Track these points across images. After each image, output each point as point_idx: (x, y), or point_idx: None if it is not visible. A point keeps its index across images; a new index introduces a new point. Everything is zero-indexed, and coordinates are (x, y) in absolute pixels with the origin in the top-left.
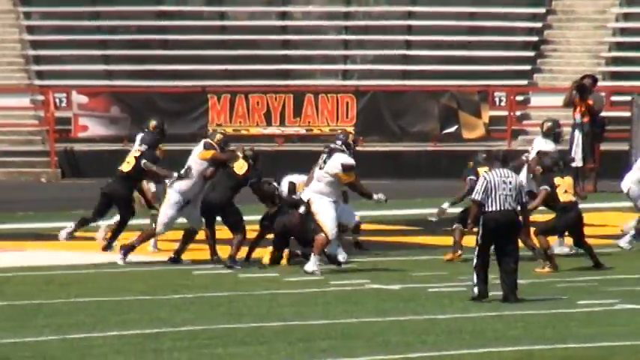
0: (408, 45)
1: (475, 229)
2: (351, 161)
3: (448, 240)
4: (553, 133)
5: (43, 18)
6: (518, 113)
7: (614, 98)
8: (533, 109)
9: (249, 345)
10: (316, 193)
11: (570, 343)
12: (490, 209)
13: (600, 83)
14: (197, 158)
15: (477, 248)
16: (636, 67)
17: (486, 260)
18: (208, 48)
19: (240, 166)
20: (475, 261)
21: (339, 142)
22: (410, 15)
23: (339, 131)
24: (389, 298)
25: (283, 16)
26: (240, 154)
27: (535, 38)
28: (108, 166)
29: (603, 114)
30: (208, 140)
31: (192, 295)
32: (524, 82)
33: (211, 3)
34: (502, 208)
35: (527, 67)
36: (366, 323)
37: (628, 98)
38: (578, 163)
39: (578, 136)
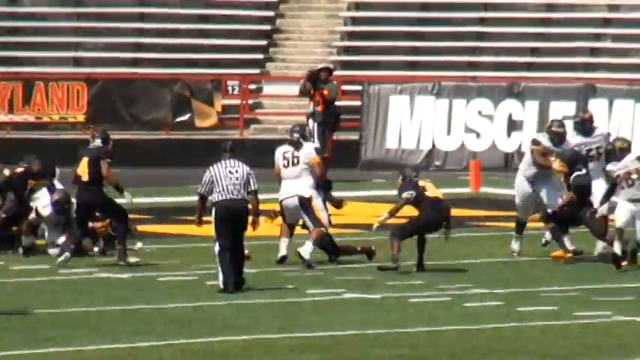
0: (140, 32)
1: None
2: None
3: (182, 228)
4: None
5: None
6: (250, 102)
7: (345, 87)
8: (266, 97)
9: None
10: (313, 189)
11: (298, 332)
12: (220, 199)
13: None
14: None
15: (215, 238)
16: (368, 57)
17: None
18: None
19: None
20: (217, 250)
21: (296, 135)
22: (142, 3)
23: (295, 126)
24: (118, 287)
25: (12, 1)
26: None
27: (267, 27)
28: None
29: (337, 103)
30: None
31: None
32: (257, 70)
33: None
34: (231, 197)
35: (260, 56)
36: (93, 312)
37: (359, 88)
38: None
39: (313, 125)
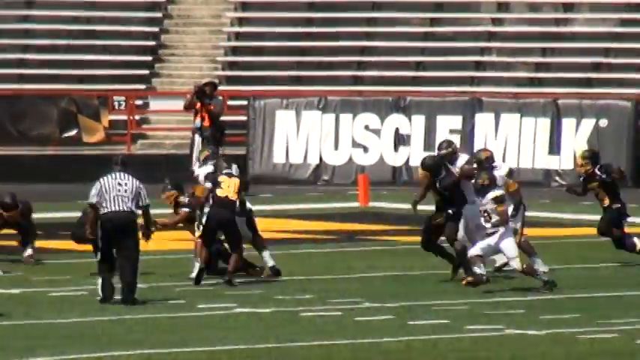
0: (25, 48)
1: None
2: None
3: (71, 244)
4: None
5: None
6: (137, 117)
7: (231, 102)
8: (152, 113)
9: None
10: None
11: (189, 347)
12: (105, 211)
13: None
14: None
15: (98, 248)
16: (252, 72)
17: (111, 262)
18: None
19: None
20: (97, 259)
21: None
22: (25, 19)
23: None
24: (9, 302)
25: None
26: None
27: (152, 43)
28: None
29: (222, 118)
30: None
31: None
32: (143, 86)
33: None
34: (116, 209)
35: (146, 72)
36: None
37: (245, 102)
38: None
39: (198, 140)
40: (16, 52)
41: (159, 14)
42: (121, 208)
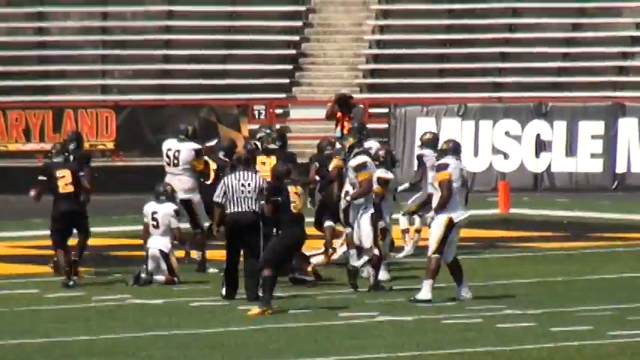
0: (166, 59)
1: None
2: None
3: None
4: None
5: None
6: (277, 126)
7: (372, 110)
8: (292, 121)
9: None
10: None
11: (332, 356)
12: (230, 211)
13: (358, 96)
14: None
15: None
16: (393, 79)
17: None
18: None
19: None
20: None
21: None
22: (167, 29)
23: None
24: (151, 313)
25: (40, 31)
26: None
27: (293, 51)
28: None
29: None
30: None
31: None
32: (283, 95)
33: None
34: (242, 210)
35: (286, 81)
36: (128, 338)
37: (385, 110)
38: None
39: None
40: (158, 63)
41: (299, 23)
42: (244, 209)
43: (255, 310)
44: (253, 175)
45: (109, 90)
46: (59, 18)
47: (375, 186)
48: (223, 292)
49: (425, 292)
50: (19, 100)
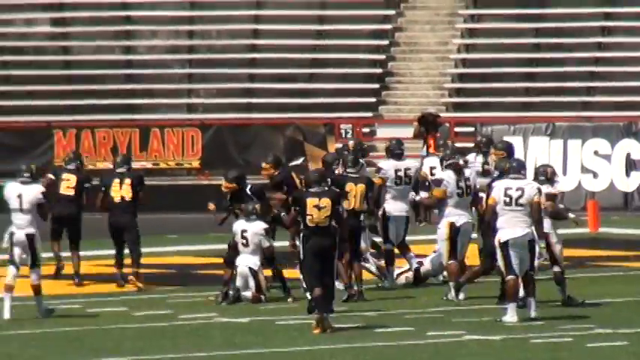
0: (252, 78)
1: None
2: None
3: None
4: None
5: None
6: (364, 145)
7: (458, 129)
8: (379, 140)
9: None
10: None
11: None
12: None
13: (444, 114)
14: None
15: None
16: (478, 98)
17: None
18: (52, 83)
19: None
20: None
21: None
22: (253, 48)
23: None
24: (238, 332)
25: (128, 50)
26: None
27: (379, 70)
28: None
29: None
30: None
31: (40, 330)
32: (370, 114)
33: (55, 38)
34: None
35: (373, 99)
36: (214, 357)
37: (471, 129)
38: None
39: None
40: (243, 82)
41: (385, 42)
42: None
43: (316, 327)
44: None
45: (195, 109)
46: (146, 37)
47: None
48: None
49: (510, 315)
50: (106, 118)
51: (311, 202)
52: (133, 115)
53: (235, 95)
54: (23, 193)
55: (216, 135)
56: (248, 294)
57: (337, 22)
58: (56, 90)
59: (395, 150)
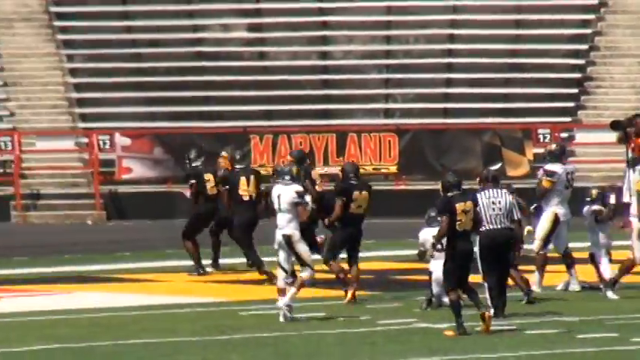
0: (449, 83)
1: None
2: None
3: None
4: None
5: (86, 60)
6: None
7: None
8: (578, 145)
9: None
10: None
11: None
12: (485, 228)
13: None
14: None
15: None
16: None
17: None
18: (249, 89)
19: None
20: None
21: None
22: (450, 53)
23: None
24: (436, 337)
25: (324, 55)
26: None
27: (578, 75)
28: (152, 208)
29: None
30: None
31: (239, 335)
32: (568, 119)
33: (251, 44)
34: (498, 227)
35: (571, 104)
36: None
37: None
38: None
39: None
40: (440, 87)
41: (585, 46)
42: (499, 226)
43: (450, 331)
44: (503, 192)
45: (392, 114)
46: (343, 42)
47: None
48: (491, 312)
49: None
50: (303, 124)
51: (460, 207)
52: (329, 121)
53: (432, 100)
54: (282, 193)
55: (414, 140)
56: (445, 300)
57: (534, 27)
58: (253, 96)
59: (560, 153)
